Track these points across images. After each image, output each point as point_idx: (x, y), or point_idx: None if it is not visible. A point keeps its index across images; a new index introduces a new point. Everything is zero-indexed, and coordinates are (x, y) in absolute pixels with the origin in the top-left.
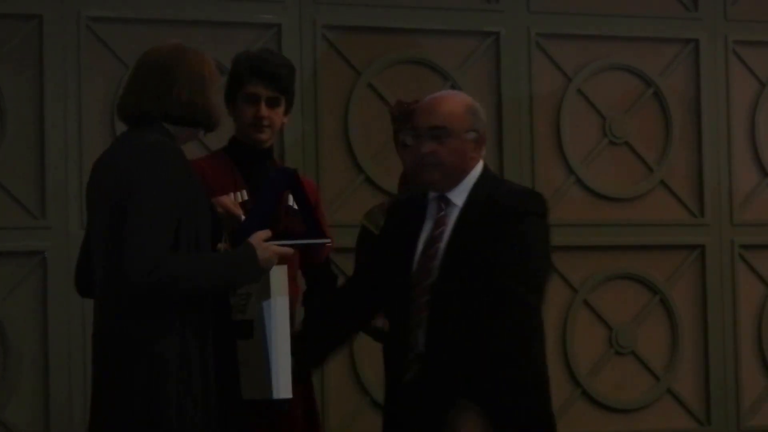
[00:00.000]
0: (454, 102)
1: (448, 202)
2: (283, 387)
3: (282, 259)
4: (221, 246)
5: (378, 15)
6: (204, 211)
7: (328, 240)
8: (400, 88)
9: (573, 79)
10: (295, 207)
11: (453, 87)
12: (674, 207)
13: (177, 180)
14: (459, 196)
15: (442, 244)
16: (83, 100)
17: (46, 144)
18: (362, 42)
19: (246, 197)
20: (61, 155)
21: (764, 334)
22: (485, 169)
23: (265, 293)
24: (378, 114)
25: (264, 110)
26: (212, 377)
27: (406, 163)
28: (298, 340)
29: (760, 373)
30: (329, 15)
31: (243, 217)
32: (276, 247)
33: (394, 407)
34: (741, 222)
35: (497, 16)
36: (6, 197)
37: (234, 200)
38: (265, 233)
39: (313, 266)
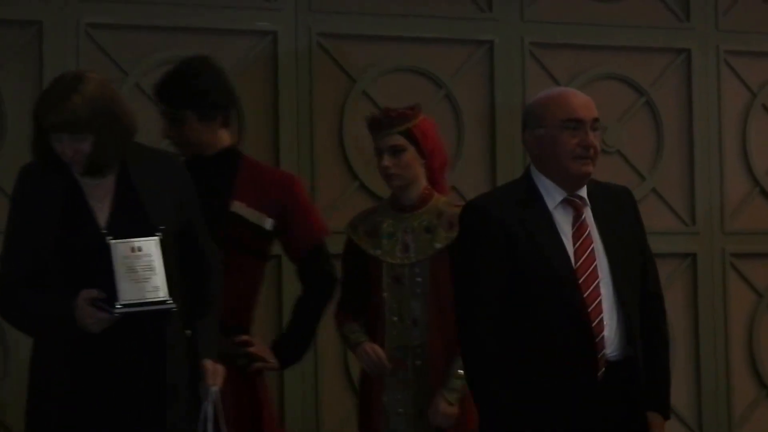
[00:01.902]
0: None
1: (581, 199)
2: None
3: None
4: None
5: (373, 23)
6: (43, 238)
7: (173, 305)
8: (395, 96)
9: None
10: (239, 214)
11: (447, 95)
12: (666, 215)
13: (19, 206)
14: (584, 192)
15: (598, 246)
16: None
17: None
18: (357, 50)
19: None
20: None
21: (755, 342)
22: None
23: None
24: None
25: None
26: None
27: (379, 170)
28: None
29: (751, 381)
30: (325, 23)
31: None
32: (94, 313)
33: (577, 409)
34: (732, 231)
35: (491, 24)
36: (6, 201)
37: None
38: (90, 293)
39: (300, 262)
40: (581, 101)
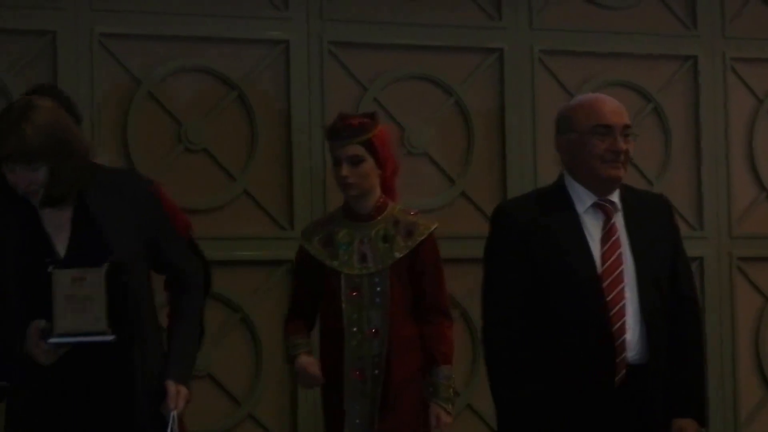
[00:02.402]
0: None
1: (612, 204)
2: None
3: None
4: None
5: (384, 31)
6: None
7: (111, 337)
8: (406, 103)
9: (575, 95)
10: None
11: (457, 102)
12: None
13: None
14: (616, 198)
15: (626, 250)
16: (95, 114)
17: None
18: (368, 58)
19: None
20: None
21: (761, 344)
22: None
23: None
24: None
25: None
26: None
27: (336, 179)
28: None
29: (757, 383)
30: (336, 31)
31: None
32: (41, 345)
33: (594, 411)
34: (739, 235)
35: (501, 32)
36: None
37: None
38: (38, 323)
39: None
40: (611, 107)
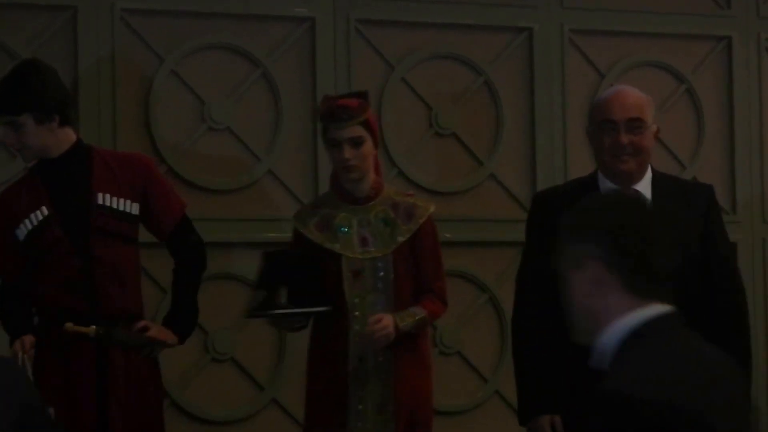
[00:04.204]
0: (639, 95)
1: (634, 192)
2: None
3: None
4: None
5: (411, 9)
6: None
7: (326, 308)
8: (433, 83)
9: (606, 75)
10: (107, 205)
11: (486, 82)
12: None
13: None
14: (645, 188)
15: None
16: (117, 91)
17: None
18: (396, 36)
19: (46, 212)
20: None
21: None
22: (651, 165)
23: None
24: (411, 108)
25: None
26: None
27: (335, 162)
28: None
29: None
30: (363, 9)
31: None
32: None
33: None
34: None
35: (531, 12)
36: None
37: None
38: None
39: (168, 237)
40: (618, 101)
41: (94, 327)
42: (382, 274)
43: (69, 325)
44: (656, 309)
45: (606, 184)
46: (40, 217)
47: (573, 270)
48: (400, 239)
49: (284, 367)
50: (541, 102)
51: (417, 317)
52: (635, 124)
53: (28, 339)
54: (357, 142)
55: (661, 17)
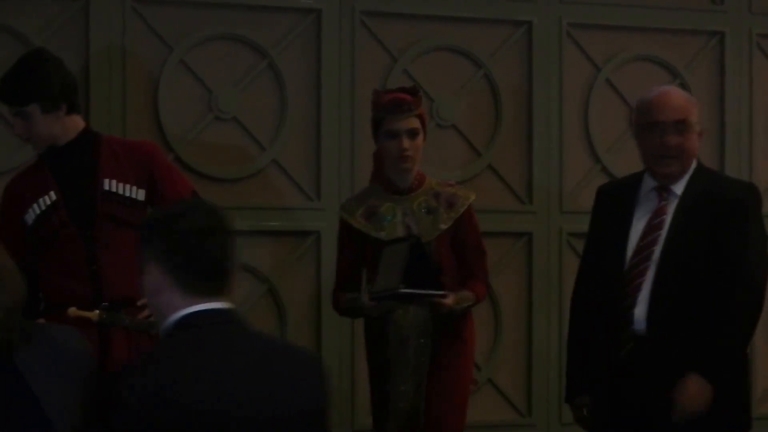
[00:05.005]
0: (685, 96)
1: (669, 192)
2: None
3: None
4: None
5: (414, 2)
6: None
7: (442, 293)
8: (435, 75)
9: (602, 69)
10: (113, 191)
11: (486, 75)
12: None
13: None
14: (679, 186)
15: (663, 232)
16: (127, 81)
17: (91, 121)
18: (399, 28)
19: (54, 197)
20: None
21: None
22: (700, 161)
23: None
24: None
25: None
26: None
27: (392, 152)
28: None
29: None
30: (368, 2)
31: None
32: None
33: (611, 384)
34: (765, 212)
35: (530, 5)
36: None
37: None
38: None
39: None
40: (661, 103)
41: (97, 312)
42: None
43: (73, 309)
44: (202, 306)
45: (648, 182)
46: (48, 202)
47: (143, 271)
48: (443, 227)
49: None
50: (539, 95)
51: (468, 300)
52: (681, 126)
53: None
54: (413, 134)
55: (655, 12)
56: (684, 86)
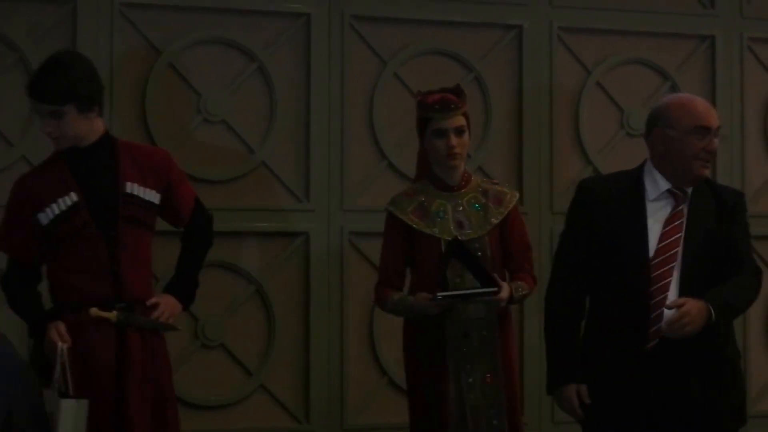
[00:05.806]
0: None
1: (684, 194)
2: None
3: None
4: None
5: (405, 6)
6: None
7: (495, 289)
8: (425, 79)
9: (592, 72)
10: (134, 193)
11: (476, 78)
12: None
13: None
14: (689, 189)
15: (682, 233)
16: (115, 85)
17: None
18: (389, 32)
19: (75, 198)
20: None
21: None
22: None
23: None
24: (402, 102)
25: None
26: None
27: (440, 150)
28: None
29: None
30: (357, 5)
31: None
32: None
33: (630, 376)
34: (752, 213)
35: (521, 9)
36: None
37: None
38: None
39: (187, 221)
40: (709, 109)
41: (115, 312)
42: (479, 254)
43: (94, 310)
44: None
45: (656, 180)
46: (69, 203)
47: None
48: (494, 221)
49: (273, 354)
50: (530, 97)
51: (524, 290)
52: (718, 132)
53: (63, 327)
54: (461, 131)
55: (646, 16)
56: (675, 89)
